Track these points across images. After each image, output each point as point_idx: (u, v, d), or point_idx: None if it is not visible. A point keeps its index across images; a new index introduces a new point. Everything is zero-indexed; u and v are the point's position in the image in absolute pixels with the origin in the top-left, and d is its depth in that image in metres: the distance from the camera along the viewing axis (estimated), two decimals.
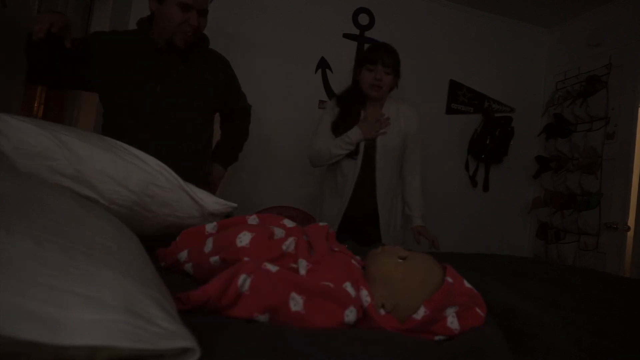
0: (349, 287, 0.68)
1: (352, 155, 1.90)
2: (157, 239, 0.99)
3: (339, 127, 1.90)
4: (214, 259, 0.77)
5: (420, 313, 0.68)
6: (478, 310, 0.73)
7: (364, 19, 3.02)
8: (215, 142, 1.79)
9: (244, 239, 0.77)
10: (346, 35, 2.98)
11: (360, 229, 1.92)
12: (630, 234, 2.59)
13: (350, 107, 1.92)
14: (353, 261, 0.80)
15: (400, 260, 0.75)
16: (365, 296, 0.69)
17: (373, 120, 1.89)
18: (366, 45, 3.00)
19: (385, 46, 1.91)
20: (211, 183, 1.72)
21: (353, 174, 1.91)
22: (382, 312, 0.70)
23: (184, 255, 0.84)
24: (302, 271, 0.70)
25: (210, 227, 0.90)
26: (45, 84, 1.67)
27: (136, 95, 1.46)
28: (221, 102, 1.69)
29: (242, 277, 0.63)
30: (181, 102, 1.52)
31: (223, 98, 1.68)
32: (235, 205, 1.12)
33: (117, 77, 1.45)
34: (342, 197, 1.94)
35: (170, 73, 1.50)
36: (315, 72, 2.93)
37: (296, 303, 0.63)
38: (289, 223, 0.92)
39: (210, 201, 1.06)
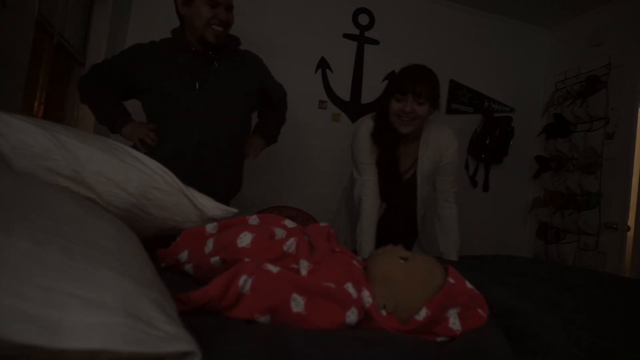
0: (350, 287, 0.68)
1: (385, 200, 1.67)
2: (157, 240, 0.99)
3: (383, 169, 1.65)
4: (215, 259, 0.77)
5: (422, 314, 0.68)
6: (480, 310, 0.73)
7: (364, 19, 3.02)
8: None
9: (244, 239, 0.76)
10: (346, 35, 2.98)
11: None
12: (630, 234, 2.59)
13: (385, 146, 1.63)
14: (354, 262, 0.79)
15: (402, 261, 0.75)
16: (366, 297, 0.69)
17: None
18: (366, 46, 3.01)
19: (419, 71, 1.55)
20: (250, 145, 1.68)
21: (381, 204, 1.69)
22: (384, 312, 0.69)
23: (184, 255, 0.84)
24: (303, 272, 0.70)
25: (210, 227, 0.90)
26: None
27: (177, 96, 1.53)
28: (259, 98, 1.73)
29: (243, 277, 0.63)
30: (219, 98, 1.57)
31: (260, 93, 1.72)
32: (236, 210, 1.11)
33: (158, 83, 1.53)
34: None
35: (206, 72, 1.57)
36: (315, 72, 2.93)
37: (297, 304, 0.63)
38: (289, 223, 0.92)
39: (211, 206, 1.05)
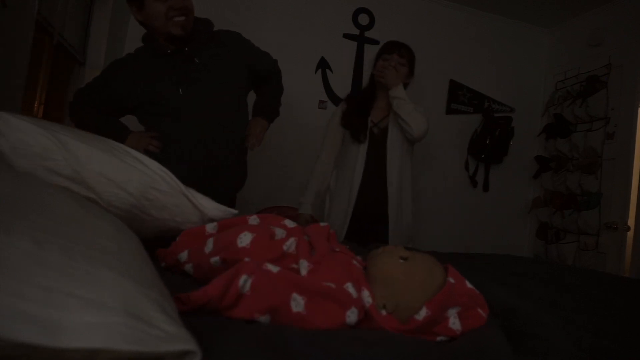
0: (350, 287, 0.68)
1: (359, 140, 1.89)
2: (157, 240, 0.99)
3: (350, 120, 1.91)
4: (215, 259, 0.77)
5: (422, 314, 0.68)
6: (480, 310, 0.72)
7: (364, 19, 3.02)
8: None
9: (244, 239, 0.76)
10: (346, 35, 2.98)
11: (368, 229, 1.88)
12: (630, 234, 2.59)
13: (360, 100, 1.95)
14: (354, 261, 0.79)
15: (402, 261, 0.75)
16: (366, 297, 0.69)
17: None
18: (366, 46, 3.01)
19: (401, 42, 1.94)
20: (250, 135, 1.61)
21: (360, 165, 1.88)
22: (384, 312, 0.69)
23: (184, 255, 0.84)
24: (303, 272, 0.70)
25: (210, 227, 0.90)
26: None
27: (167, 105, 1.51)
28: (249, 74, 1.68)
29: (243, 277, 0.63)
30: (210, 95, 1.54)
31: (250, 69, 1.67)
32: (236, 211, 1.11)
33: (146, 93, 1.51)
34: (350, 192, 1.89)
35: (190, 71, 1.53)
36: (315, 72, 2.93)
37: (297, 304, 0.63)
38: (290, 223, 0.92)
39: (211, 207, 1.05)
